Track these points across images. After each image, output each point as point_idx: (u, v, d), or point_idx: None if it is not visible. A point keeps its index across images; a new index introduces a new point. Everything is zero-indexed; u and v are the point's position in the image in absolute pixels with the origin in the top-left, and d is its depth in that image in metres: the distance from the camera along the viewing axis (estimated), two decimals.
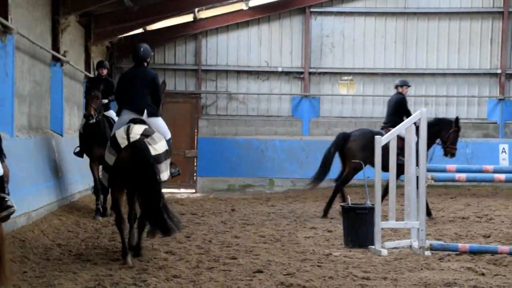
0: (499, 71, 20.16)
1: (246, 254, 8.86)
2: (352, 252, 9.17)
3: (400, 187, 9.68)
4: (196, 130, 20.29)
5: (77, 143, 13.16)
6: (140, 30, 19.34)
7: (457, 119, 13.32)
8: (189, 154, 20.05)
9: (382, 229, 9.26)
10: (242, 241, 9.99)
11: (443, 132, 13.16)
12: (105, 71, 13.43)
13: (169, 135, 9.07)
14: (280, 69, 20.25)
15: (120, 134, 8.22)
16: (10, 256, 7.95)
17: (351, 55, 20.30)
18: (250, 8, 19.82)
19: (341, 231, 10.14)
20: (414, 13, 20.24)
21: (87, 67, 17.07)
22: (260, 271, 7.64)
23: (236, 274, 7.51)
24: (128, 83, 8.96)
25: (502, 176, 9.06)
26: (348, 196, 11.66)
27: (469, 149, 19.51)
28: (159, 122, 8.95)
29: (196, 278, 7.24)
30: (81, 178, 14.73)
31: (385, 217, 9.81)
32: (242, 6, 19.61)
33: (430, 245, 8.91)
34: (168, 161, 8.78)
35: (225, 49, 20.27)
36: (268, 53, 20.27)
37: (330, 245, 9.72)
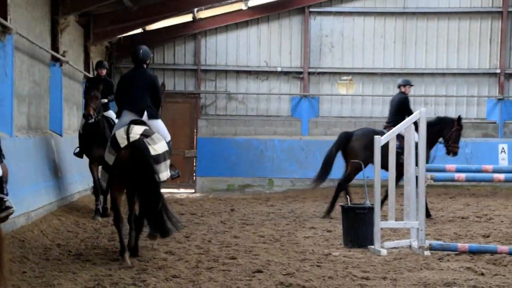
0: (498, 71, 20.16)
1: (246, 254, 8.86)
2: (352, 252, 9.17)
3: (399, 187, 9.68)
4: (195, 130, 20.28)
5: (77, 143, 13.17)
6: (139, 30, 19.34)
7: (459, 118, 13.37)
8: (188, 154, 20.05)
9: (381, 229, 9.26)
10: (241, 241, 9.99)
11: (446, 131, 13.22)
12: (104, 71, 13.43)
13: (169, 138, 9.15)
14: (279, 69, 20.24)
15: (120, 134, 8.29)
16: (9, 256, 7.95)
17: (350, 55, 20.30)
18: (249, 8, 19.82)
19: (340, 231, 10.14)
20: (413, 13, 20.24)
21: (86, 67, 17.06)
22: (259, 271, 7.64)
23: (236, 274, 7.51)
24: (128, 85, 9.02)
25: (502, 176, 9.06)
26: (347, 196, 11.69)
27: (469, 149, 19.50)
28: (159, 124, 9.02)
29: (196, 278, 7.25)
30: (80, 178, 14.73)
31: (384, 217, 9.82)
32: (241, 6, 19.61)
33: (430, 245, 8.91)
34: (168, 162, 8.81)
35: (224, 49, 20.27)
36: (267, 53, 20.27)
37: (330, 245, 9.72)
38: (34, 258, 8.27)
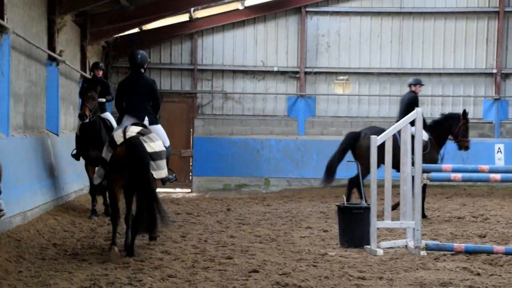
0: (494, 70, 20.19)
1: (242, 253, 8.86)
2: (348, 252, 9.18)
3: (395, 186, 9.69)
4: (191, 130, 20.27)
5: (73, 143, 13.15)
6: (136, 30, 19.31)
7: (464, 111, 13.53)
8: (184, 153, 20.03)
9: (377, 229, 9.26)
10: (237, 240, 9.98)
11: (454, 127, 13.36)
12: (100, 73, 13.40)
13: (168, 143, 9.29)
14: (275, 69, 20.24)
15: (117, 134, 8.51)
16: (5, 256, 7.95)
17: (347, 55, 20.31)
18: (246, 8, 19.82)
19: (336, 231, 10.14)
20: (410, 13, 20.26)
21: (83, 66, 17.05)
22: (255, 271, 7.64)
23: (232, 274, 7.51)
24: (128, 92, 9.21)
25: (498, 176, 9.07)
26: (344, 196, 11.68)
27: None
28: (159, 130, 9.19)
29: (192, 278, 7.24)
30: (76, 177, 14.71)
31: (380, 217, 9.82)
32: (237, 5, 19.61)
33: (426, 245, 8.92)
34: (165, 162, 8.89)
35: (221, 49, 20.27)
36: (263, 52, 20.27)
37: (326, 245, 9.72)
38: (30, 257, 8.26)
